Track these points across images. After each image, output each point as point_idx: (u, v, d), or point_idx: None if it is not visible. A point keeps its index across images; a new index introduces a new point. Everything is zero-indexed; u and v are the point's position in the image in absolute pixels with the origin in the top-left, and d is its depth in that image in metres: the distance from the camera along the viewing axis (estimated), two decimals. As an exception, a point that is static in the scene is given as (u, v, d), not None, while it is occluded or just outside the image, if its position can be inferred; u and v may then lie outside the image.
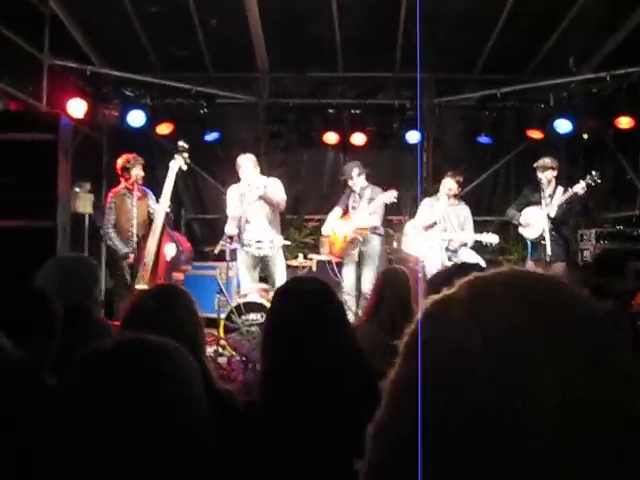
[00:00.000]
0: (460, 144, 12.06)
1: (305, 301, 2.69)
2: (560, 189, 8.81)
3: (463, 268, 3.29)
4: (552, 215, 8.65)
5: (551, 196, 8.87)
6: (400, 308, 4.23)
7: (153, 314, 2.75)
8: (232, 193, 8.77)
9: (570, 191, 8.63)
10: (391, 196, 8.92)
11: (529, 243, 9.08)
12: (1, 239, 6.47)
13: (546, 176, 8.80)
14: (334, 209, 9.44)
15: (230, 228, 8.61)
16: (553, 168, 8.89)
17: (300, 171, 12.18)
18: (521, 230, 9.16)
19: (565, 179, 9.38)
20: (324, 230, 9.40)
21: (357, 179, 9.19)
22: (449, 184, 9.20)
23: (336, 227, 9.18)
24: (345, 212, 9.32)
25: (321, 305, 2.70)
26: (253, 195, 8.57)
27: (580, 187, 8.57)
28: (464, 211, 9.39)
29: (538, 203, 8.82)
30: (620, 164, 11.04)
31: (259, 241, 8.45)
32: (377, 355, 3.18)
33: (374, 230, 9.12)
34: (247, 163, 8.61)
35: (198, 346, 2.75)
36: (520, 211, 9.16)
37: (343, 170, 9.55)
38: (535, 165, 9.03)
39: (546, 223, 8.55)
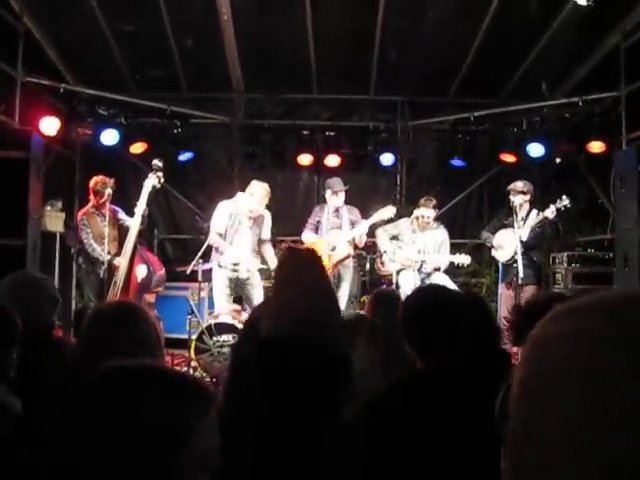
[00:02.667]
0: (434, 167, 12.12)
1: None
2: (534, 212, 8.87)
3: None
4: (524, 238, 8.70)
5: (524, 219, 8.94)
6: (392, 329, 4.23)
7: (112, 328, 2.70)
8: (222, 209, 8.61)
9: (540, 215, 8.70)
10: (391, 212, 8.93)
11: (500, 266, 9.14)
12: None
13: (517, 200, 8.86)
14: (306, 233, 9.38)
15: (214, 238, 8.50)
16: (524, 192, 8.96)
17: (274, 192, 12.11)
18: (493, 252, 9.22)
19: (538, 203, 9.43)
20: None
21: (340, 195, 9.19)
22: (426, 213, 9.18)
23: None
24: (316, 231, 9.29)
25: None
26: (247, 221, 8.53)
27: (550, 211, 8.66)
28: (442, 235, 9.38)
29: (511, 226, 8.88)
30: (592, 188, 11.13)
31: (236, 264, 8.39)
32: (368, 376, 3.18)
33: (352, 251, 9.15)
34: (261, 192, 8.57)
35: (158, 361, 2.70)
36: (494, 233, 9.22)
37: (328, 183, 9.48)
38: (508, 188, 9.11)
39: (518, 246, 8.59)
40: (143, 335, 2.73)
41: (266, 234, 8.80)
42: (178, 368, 7.95)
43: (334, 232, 9.09)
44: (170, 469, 1.22)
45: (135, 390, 1.29)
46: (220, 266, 8.44)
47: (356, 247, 9.27)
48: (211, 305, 8.96)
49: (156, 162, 8.31)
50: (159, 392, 1.30)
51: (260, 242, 8.71)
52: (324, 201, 9.33)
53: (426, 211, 9.20)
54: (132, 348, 2.30)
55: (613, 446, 0.71)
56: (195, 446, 1.26)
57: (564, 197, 8.71)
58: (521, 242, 8.66)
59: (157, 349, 2.77)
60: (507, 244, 8.96)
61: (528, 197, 8.98)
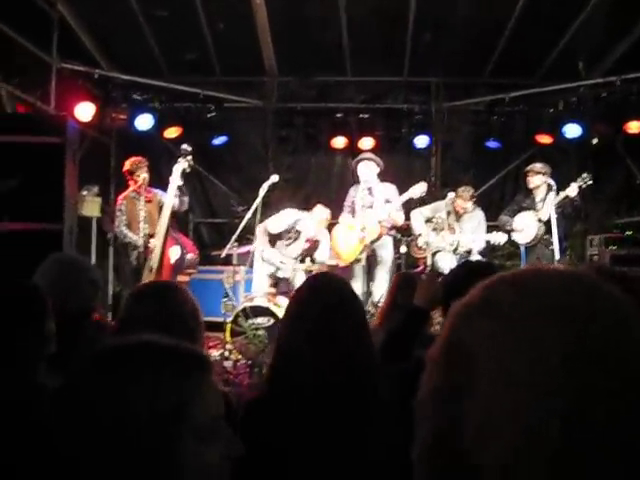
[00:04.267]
0: (469, 149, 12.02)
1: (325, 297, 2.65)
2: (552, 193, 8.78)
3: (478, 269, 3.26)
4: (544, 219, 8.65)
5: (542, 200, 8.88)
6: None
7: (150, 310, 2.71)
8: (288, 216, 8.79)
9: (561, 195, 8.61)
10: (422, 188, 8.86)
11: (522, 249, 9.08)
12: (8, 242, 6.46)
13: (536, 181, 8.83)
14: (342, 215, 9.34)
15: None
16: (543, 173, 8.90)
17: (308, 175, 12.16)
18: (513, 236, 9.15)
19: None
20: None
21: (366, 164, 9.10)
22: (463, 205, 9.15)
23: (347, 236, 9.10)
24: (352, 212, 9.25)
25: (341, 303, 2.65)
26: (303, 240, 8.73)
27: (571, 189, 8.57)
28: (478, 216, 9.32)
29: (530, 208, 8.85)
30: (629, 169, 10.99)
31: (282, 262, 8.49)
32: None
33: (389, 231, 9.08)
34: (321, 216, 8.90)
35: (195, 340, 2.70)
36: (512, 217, 9.16)
37: (357, 156, 9.47)
38: (525, 170, 9.08)
39: (538, 228, 8.58)
40: (183, 314, 2.75)
41: (320, 256, 8.90)
42: (213, 351, 8.02)
43: (366, 212, 9.00)
44: (167, 442, 1.21)
45: (126, 365, 1.28)
46: (263, 260, 8.50)
47: (394, 227, 9.18)
48: (247, 288, 8.98)
49: (185, 146, 8.33)
50: (152, 364, 1.28)
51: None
52: (358, 182, 9.24)
53: (463, 203, 9.15)
54: (170, 326, 2.29)
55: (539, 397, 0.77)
56: (193, 417, 1.25)
57: (585, 175, 8.65)
58: (542, 223, 8.62)
59: (197, 328, 2.78)
60: (527, 226, 8.91)
61: (546, 178, 8.89)
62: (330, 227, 9.44)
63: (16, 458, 1.75)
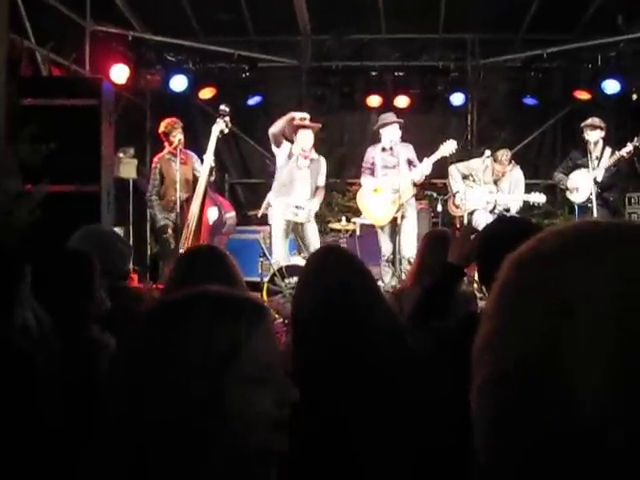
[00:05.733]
0: (505, 106, 11.85)
1: (334, 274, 2.64)
2: (608, 151, 8.65)
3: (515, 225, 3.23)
4: (599, 179, 8.52)
5: (598, 159, 8.73)
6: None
7: (196, 275, 2.74)
8: (285, 148, 8.67)
9: (617, 154, 8.48)
10: (452, 146, 8.74)
11: (576, 207, 8.97)
12: (46, 204, 6.54)
13: (593, 136, 8.65)
14: (364, 178, 9.20)
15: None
16: (601, 128, 8.74)
17: (343, 135, 12.09)
18: (568, 194, 9.04)
19: (614, 141, 9.19)
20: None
21: (393, 127, 8.93)
22: (502, 169, 9.05)
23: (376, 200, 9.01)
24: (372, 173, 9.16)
25: (351, 279, 2.64)
26: (304, 161, 8.52)
27: (626, 150, 8.43)
28: (516, 175, 9.21)
29: (585, 166, 8.69)
30: (671, 125, 10.80)
31: (298, 207, 8.41)
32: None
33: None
34: (309, 132, 8.55)
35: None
36: (567, 174, 9.03)
37: (381, 117, 9.27)
38: (582, 125, 8.88)
39: (593, 187, 8.43)
40: (234, 279, 2.79)
41: (322, 181, 8.79)
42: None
43: (393, 174, 8.90)
44: (217, 382, 1.22)
45: (182, 309, 1.30)
46: (282, 207, 8.47)
47: (417, 186, 9.11)
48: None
49: (223, 107, 8.34)
50: (207, 307, 1.30)
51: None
52: (379, 140, 9.14)
53: (502, 168, 9.05)
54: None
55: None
56: (246, 360, 1.26)
57: None
58: (596, 183, 8.49)
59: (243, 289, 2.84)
60: (582, 185, 8.78)
61: (604, 134, 8.75)
62: (354, 192, 9.39)
63: (81, 408, 1.80)
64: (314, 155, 8.65)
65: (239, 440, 1.25)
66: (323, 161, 8.81)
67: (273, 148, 8.66)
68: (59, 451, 2.08)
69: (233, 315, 1.29)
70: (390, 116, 9.11)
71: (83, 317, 2.74)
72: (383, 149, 8.96)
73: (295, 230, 8.63)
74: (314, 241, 8.60)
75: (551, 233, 0.86)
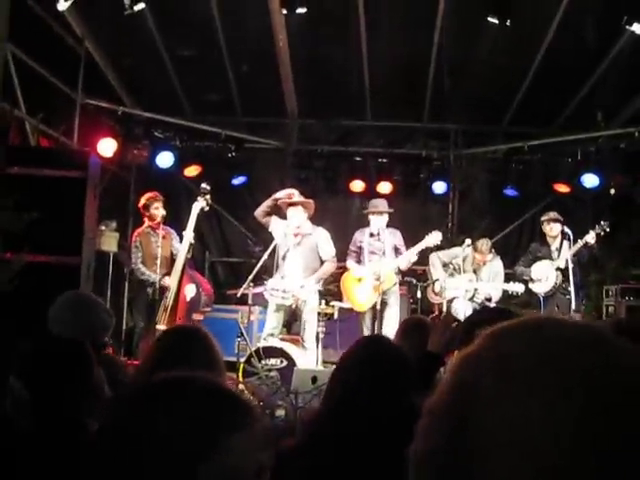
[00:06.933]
0: (486, 196, 12.01)
1: (383, 365, 2.65)
2: (565, 242, 8.80)
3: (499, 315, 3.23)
4: (562, 267, 8.67)
5: (558, 250, 8.91)
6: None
7: (180, 353, 2.73)
8: (279, 226, 8.62)
9: (580, 242, 8.62)
10: (437, 238, 8.80)
11: (541, 298, 9.04)
12: (27, 273, 6.50)
13: (555, 229, 8.87)
14: (349, 261, 9.18)
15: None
16: (561, 222, 8.92)
17: (325, 218, 12.12)
18: (531, 286, 9.13)
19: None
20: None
21: (383, 216, 8.98)
22: (483, 258, 9.14)
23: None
24: (358, 261, 9.16)
25: (397, 372, 2.64)
26: (293, 239, 8.51)
27: (590, 237, 8.60)
28: (496, 265, 9.29)
29: (546, 258, 8.88)
30: (647, 220, 10.97)
31: (285, 291, 8.35)
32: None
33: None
34: (298, 209, 8.49)
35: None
36: (528, 267, 9.15)
37: (372, 203, 9.28)
38: (543, 219, 9.10)
39: (557, 276, 8.61)
40: (215, 359, 2.78)
41: (324, 253, 8.63)
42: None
43: (378, 260, 8.90)
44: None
45: (161, 396, 1.25)
46: (270, 290, 8.44)
47: (401, 273, 9.14)
48: (260, 329, 8.95)
49: (204, 185, 8.41)
50: (186, 400, 1.24)
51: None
52: (367, 224, 9.19)
53: (483, 257, 9.13)
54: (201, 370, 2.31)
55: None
56: (220, 462, 1.18)
57: (603, 222, 8.66)
58: (561, 271, 8.63)
59: (223, 374, 2.82)
60: (546, 276, 8.91)
61: (562, 227, 8.91)
62: (339, 275, 9.39)
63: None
64: (307, 230, 8.58)
65: None
66: (321, 232, 8.68)
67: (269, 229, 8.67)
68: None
69: (215, 410, 1.24)
70: (382, 204, 9.16)
71: (80, 411, 2.67)
72: (371, 234, 9.01)
73: (290, 309, 8.57)
74: (308, 324, 8.44)
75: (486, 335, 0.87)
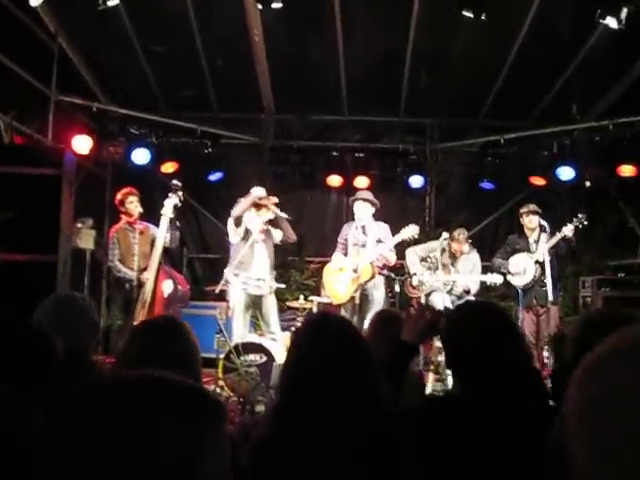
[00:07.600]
0: (463, 189, 12.06)
1: (332, 337, 2.60)
2: (543, 235, 8.83)
3: (479, 310, 3.22)
4: (540, 260, 8.69)
5: (536, 242, 8.94)
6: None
7: (153, 347, 2.70)
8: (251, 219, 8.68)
9: (558, 234, 8.65)
10: (414, 231, 8.81)
11: (520, 291, 9.05)
12: (3, 272, 6.45)
13: (534, 221, 8.90)
14: (335, 254, 9.27)
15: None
16: (539, 214, 8.95)
17: (303, 213, 12.14)
18: (510, 278, 9.14)
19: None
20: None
21: (364, 205, 8.98)
22: (459, 248, 9.18)
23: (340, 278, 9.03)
24: (345, 253, 9.18)
25: (349, 343, 2.60)
26: (260, 236, 8.55)
27: (568, 229, 8.62)
28: (473, 258, 9.33)
29: (524, 250, 8.90)
30: (622, 212, 11.05)
31: (259, 279, 8.39)
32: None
33: (381, 271, 9.01)
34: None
35: (198, 379, 2.70)
36: (506, 259, 9.17)
37: (358, 193, 9.37)
38: (522, 211, 9.11)
39: (535, 269, 8.65)
40: (187, 351, 2.74)
41: (277, 236, 8.84)
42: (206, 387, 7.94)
43: (358, 252, 8.95)
44: None
45: (128, 401, 1.16)
46: (243, 283, 8.43)
47: (386, 266, 9.13)
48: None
49: (175, 182, 8.34)
50: (163, 404, 1.16)
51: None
52: (353, 219, 9.21)
53: (459, 246, 9.16)
54: (175, 363, 2.27)
55: None
56: (203, 465, 1.13)
57: (580, 215, 8.71)
58: (540, 264, 8.67)
59: (198, 365, 2.78)
60: (524, 268, 8.93)
61: (540, 219, 8.95)
62: (322, 266, 9.40)
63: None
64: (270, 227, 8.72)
65: None
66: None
67: (229, 226, 8.67)
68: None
69: (196, 413, 1.18)
70: (364, 193, 9.25)
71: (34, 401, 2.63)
72: (357, 227, 9.04)
73: (256, 304, 8.57)
74: (273, 315, 8.58)
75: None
